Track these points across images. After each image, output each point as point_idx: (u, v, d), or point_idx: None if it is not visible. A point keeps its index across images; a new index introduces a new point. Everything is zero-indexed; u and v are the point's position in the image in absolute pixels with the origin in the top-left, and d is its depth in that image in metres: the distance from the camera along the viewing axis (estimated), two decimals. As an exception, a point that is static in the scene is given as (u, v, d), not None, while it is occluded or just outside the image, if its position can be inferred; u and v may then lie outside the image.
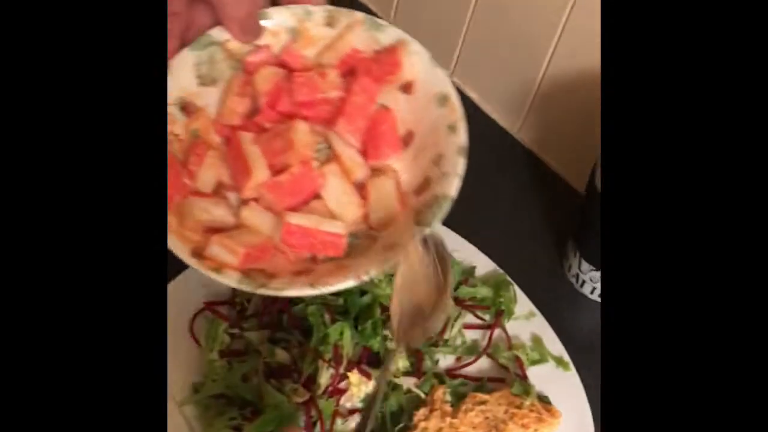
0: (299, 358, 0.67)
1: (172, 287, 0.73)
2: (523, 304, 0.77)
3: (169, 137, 0.57)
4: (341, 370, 0.67)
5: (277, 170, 0.57)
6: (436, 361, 0.74)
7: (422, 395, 0.70)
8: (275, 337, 0.69)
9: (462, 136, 0.57)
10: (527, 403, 0.69)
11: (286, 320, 0.70)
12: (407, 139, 0.61)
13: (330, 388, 0.67)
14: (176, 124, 0.58)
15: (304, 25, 0.62)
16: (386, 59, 0.60)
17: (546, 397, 0.72)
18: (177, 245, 0.53)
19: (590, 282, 0.81)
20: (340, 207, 0.57)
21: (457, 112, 0.58)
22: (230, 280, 0.52)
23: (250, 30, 0.59)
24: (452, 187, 0.54)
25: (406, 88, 0.60)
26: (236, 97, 0.59)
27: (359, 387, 0.68)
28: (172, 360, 0.68)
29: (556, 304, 0.81)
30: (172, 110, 0.58)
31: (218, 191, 0.58)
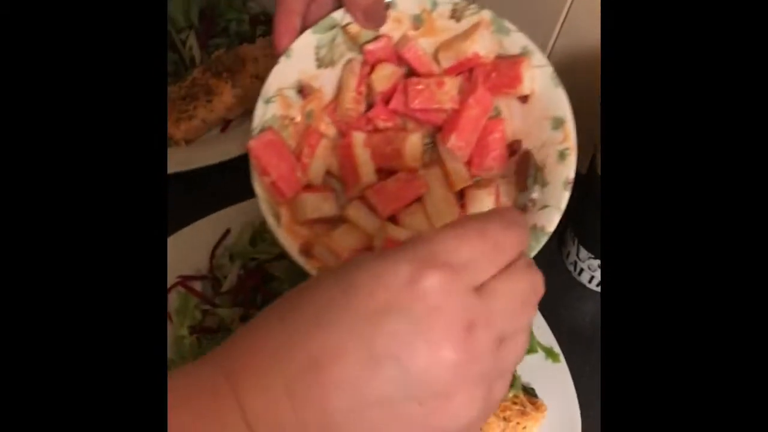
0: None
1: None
2: (515, 291, 0.74)
3: (284, 121, 0.57)
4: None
5: (382, 172, 0.58)
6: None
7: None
8: (249, 315, 0.66)
9: (571, 168, 0.54)
10: (510, 395, 0.66)
11: (261, 298, 0.67)
12: (514, 147, 0.60)
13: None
14: (292, 108, 0.58)
15: (428, 15, 0.59)
16: (507, 71, 0.58)
17: (532, 389, 0.69)
18: (287, 241, 0.54)
19: (588, 270, 0.77)
20: (438, 215, 0.58)
21: (571, 140, 0.55)
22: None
23: (374, 17, 0.57)
24: (553, 223, 0.53)
25: (523, 98, 0.59)
26: (353, 95, 0.59)
27: None
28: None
29: (552, 292, 0.77)
30: (289, 93, 0.57)
31: (326, 180, 0.59)
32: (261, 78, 0.84)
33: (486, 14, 0.58)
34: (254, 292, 0.68)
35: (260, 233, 0.73)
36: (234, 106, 0.85)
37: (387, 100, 0.60)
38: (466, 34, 0.59)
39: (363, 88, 0.59)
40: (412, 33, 0.60)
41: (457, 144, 0.58)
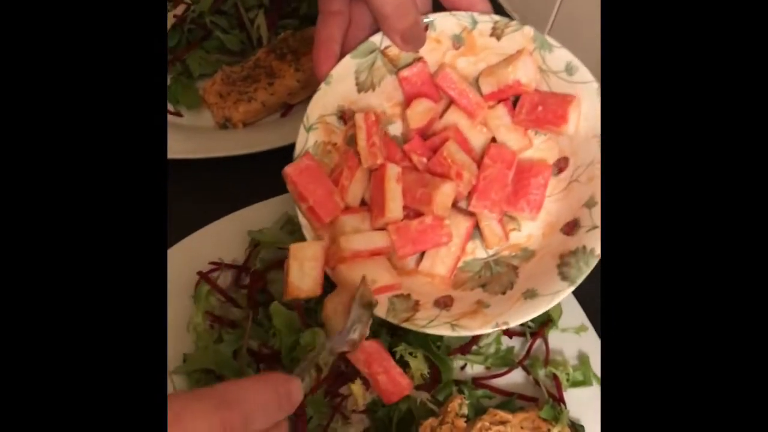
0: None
1: (179, 248, 0.68)
2: (574, 314, 0.66)
3: (327, 147, 0.58)
4: (323, 376, 0.59)
5: (409, 211, 0.57)
6: (462, 367, 0.65)
7: (435, 409, 0.60)
8: (256, 318, 0.62)
9: None
10: (555, 431, 0.59)
11: (264, 299, 0.63)
12: (561, 165, 0.59)
13: (314, 390, 0.59)
14: (334, 134, 0.59)
15: (468, 34, 0.59)
16: (554, 107, 0.57)
17: (582, 426, 0.61)
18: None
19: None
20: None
21: None
22: (380, 311, 0.54)
23: (413, 40, 0.57)
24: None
25: None
26: (366, 152, 0.57)
27: (363, 396, 0.60)
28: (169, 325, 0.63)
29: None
30: (331, 120, 0.59)
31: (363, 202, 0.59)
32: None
33: (527, 31, 0.57)
34: (262, 293, 0.63)
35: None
36: (296, 91, 0.81)
37: (424, 134, 0.59)
38: (508, 61, 0.58)
39: (375, 140, 0.57)
40: (452, 53, 0.59)
41: (480, 204, 0.57)
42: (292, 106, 0.82)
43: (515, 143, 0.59)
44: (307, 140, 0.57)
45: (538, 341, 0.65)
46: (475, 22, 0.57)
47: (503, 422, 0.59)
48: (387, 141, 0.59)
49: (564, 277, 0.53)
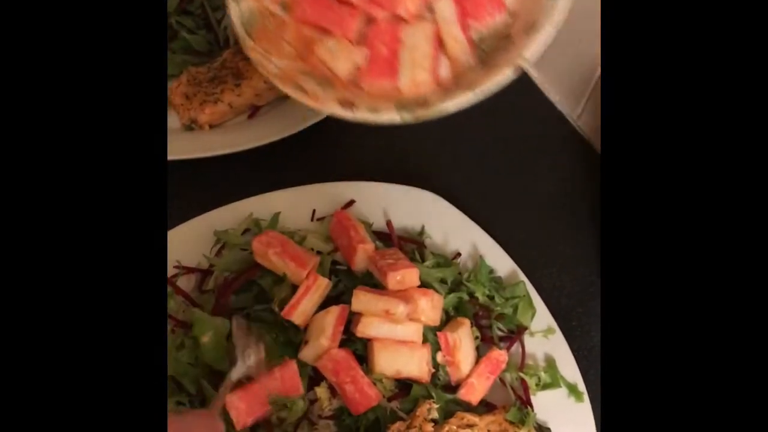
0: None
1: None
2: (540, 316, 0.66)
3: (264, 13, 0.56)
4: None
5: None
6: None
7: (405, 417, 0.60)
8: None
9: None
10: (521, 433, 0.59)
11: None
12: None
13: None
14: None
15: None
16: None
17: (548, 429, 0.61)
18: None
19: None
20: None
21: None
22: (390, 117, 0.54)
23: None
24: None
25: None
26: None
27: (328, 401, 0.60)
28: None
29: (585, 319, 0.70)
30: None
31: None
32: (294, 64, 0.79)
33: None
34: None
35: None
36: (264, 92, 0.80)
37: None
38: None
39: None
40: None
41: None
42: (259, 108, 0.81)
43: None
44: (240, 11, 0.55)
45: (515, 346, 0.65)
46: None
47: (470, 425, 0.59)
48: None
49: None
